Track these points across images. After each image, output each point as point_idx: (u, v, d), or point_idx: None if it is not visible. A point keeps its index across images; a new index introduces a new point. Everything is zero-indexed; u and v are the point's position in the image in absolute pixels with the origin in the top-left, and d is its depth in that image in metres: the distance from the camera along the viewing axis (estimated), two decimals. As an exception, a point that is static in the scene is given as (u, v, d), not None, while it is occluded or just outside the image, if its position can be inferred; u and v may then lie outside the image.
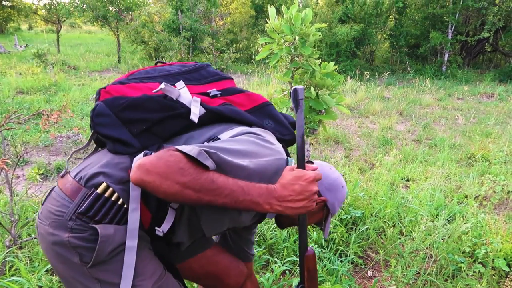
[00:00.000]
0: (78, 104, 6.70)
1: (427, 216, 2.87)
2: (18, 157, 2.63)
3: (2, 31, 22.81)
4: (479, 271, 2.35)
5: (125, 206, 1.02)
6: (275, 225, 2.65)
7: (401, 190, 3.45)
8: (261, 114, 1.24)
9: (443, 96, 8.57)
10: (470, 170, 4.18)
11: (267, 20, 3.00)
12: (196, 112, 1.09)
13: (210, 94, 1.20)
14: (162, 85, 1.09)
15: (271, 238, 2.55)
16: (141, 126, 1.05)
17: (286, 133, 1.23)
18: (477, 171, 4.08)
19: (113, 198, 1.00)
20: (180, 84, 1.14)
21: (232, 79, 1.34)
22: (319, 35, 3.04)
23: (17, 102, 6.49)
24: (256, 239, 2.53)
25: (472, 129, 5.87)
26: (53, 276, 2.05)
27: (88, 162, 1.09)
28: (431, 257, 2.48)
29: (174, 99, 1.10)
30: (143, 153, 1.01)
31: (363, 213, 2.84)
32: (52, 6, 15.63)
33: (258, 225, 2.22)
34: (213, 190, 0.88)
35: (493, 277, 2.33)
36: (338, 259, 2.42)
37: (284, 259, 2.38)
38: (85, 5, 13.46)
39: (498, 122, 6.42)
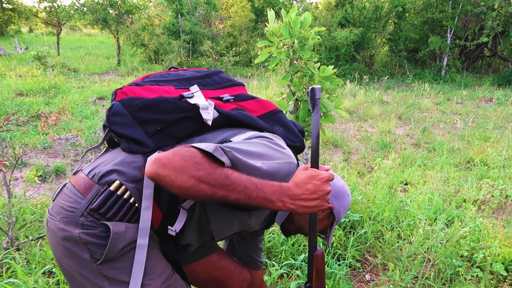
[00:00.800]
0: (78, 107, 6.70)
1: (426, 220, 2.88)
2: (17, 159, 2.63)
3: (3, 33, 22.84)
4: (477, 275, 2.34)
5: (137, 205, 1.03)
6: (273, 228, 2.65)
7: (399, 194, 3.45)
8: (271, 120, 1.26)
9: (442, 100, 8.59)
10: (469, 174, 4.18)
11: (267, 24, 3.01)
12: (210, 115, 1.12)
13: (223, 99, 1.23)
14: (195, 87, 1.16)
15: (269, 242, 2.55)
16: (155, 127, 1.08)
17: (296, 140, 1.25)
18: (476, 175, 4.09)
19: (125, 196, 1.01)
20: (195, 88, 1.18)
21: (244, 85, 1.37)
22: (318, 39, 3.04)
23: (16, 104, 6.49)
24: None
25: (471, 133, 5.88)
26: (49, 278, 2.05)
27: (101, 160, 1.11)
28: (429, 261, 2.47)
29: (190, 102, 1.13)
30: (157, 152, 1.02)
31: (361, 216, 2.84)
32: (53, 9, 15.66)
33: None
34: (227, 185, 0.89)
35: (491, 281, 2.33)
36: (336, 263, 2.42)
37: (282, 262, 2.37)
38: (85, 8, 13.49)
39: (496, 126, 6.43)
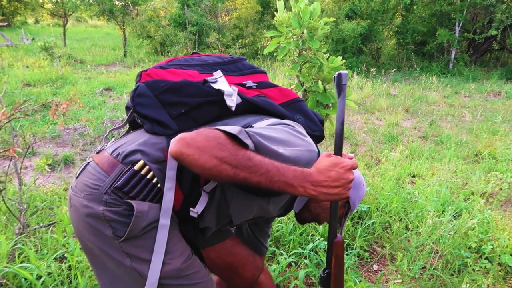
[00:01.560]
0: (85, 97, 6.72)
1: (433, 211, 2.87)
2: (27, 147, 2.66)
3: (9, 24, 22.89)
4: (485, 267, 2.35)
5: (159, 185, 1.04)
6: (281, 218, 2.66)
7: (407, 186, 3.45)
8: (292, 109, 1.27)
9: (450, 94, 8.52)
10: (477, 167, 4.16)
11: (276, 13, 3.00)
12: (233, 101, 1.13)
13: (246, 85, 1.24)
14: (219, 72, 1.17)
15: (277, 231, 2.56)
16: (179, 109, 1.09)
17: (316, 129, 1.26)
18: (484, 168, 4.07)
19: (148, 176, 1.03)
20: (218, 73, 1.19)
21: (266, 73, 1.38)
22: (327, 29, 3.03)
23: (24, 94, 6.53)
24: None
25: (479, 126, 5.84)
26: (62, 263, 2.08)
27: (124, 140, 1.12)
28: (437, 252, 2.48)
29: (213, 87, 1.14)
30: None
31: (369, 207, 2.84)
32: (59, 0, 15.65)
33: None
34: (249, 167, 0.89)
35: (499, 273, 2.33)
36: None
37: (290, 251, 2.39)
38: (91, -1, 13.49)
39: (505, 120, 6.38)
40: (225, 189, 1.13)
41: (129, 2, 13.36)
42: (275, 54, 3.16)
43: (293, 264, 2.35)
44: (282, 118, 1.19)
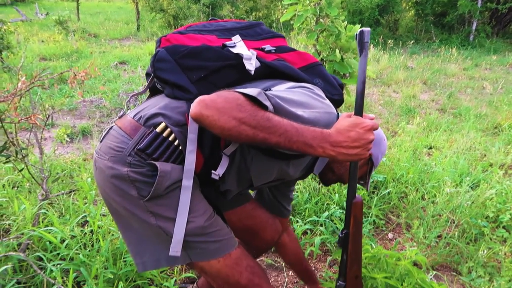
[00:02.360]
0: (100, 70, 6.75)
1: (450, 182, 2.85)
2: (47, 116, 2.71)
3: (23, -1, 22.87)
4: (502, 236, 2.34)
5: (180, 148, 1.07)
6: (297, 186, 2.67)
7: (424, 157, 3.41)
8: (311, 73, 1.26)
9: (470, 66, 8.27)
10: (496, 139, 4.08)
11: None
12: (252, 65, 1.13)
13: (265, 50, 1.23)
14: (237, 37, 1.18)
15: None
16: (199, 74, 1.10)
17: (335, 93, 1.25)
18: (503, 141, 3.98)
19: (170, 139, 1.05)
20: (237, 38, 1.20)
21: (284, 37, 1.37)
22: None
23: (41, 67, 6.59)
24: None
25: (500, 99, 5.68)
26: (84, 227, 2.14)
27: (146, 104, 1.15)
28: (453, 222, 2.47)
29: (232, 51, 1.14)
30: None
31: (385, 177, 2.83)
32: (71, -27, 15.51)
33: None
34: (268, 128, 0.90)
35: (517, 242, 2.32)
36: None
37: (306, 219, 2.41)
38: (104, -28, 13.31)
39: (527, 92, 6.19)
40: (245, 153, 1.14)
41: (142, -25, 13.17)
42: (291, 22, 3.10)
43: (308, 231, 2.37)
44: (301, 82, 1.18)
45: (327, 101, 1.13)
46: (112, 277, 1.82)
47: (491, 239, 2.30)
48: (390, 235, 2.48)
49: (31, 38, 9.54)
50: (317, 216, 2.44)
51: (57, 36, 9.72)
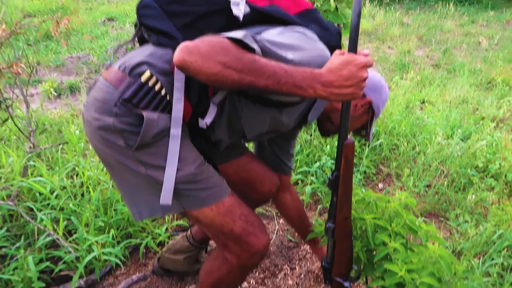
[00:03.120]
0: (88, 27, 6.54)
1: (442, 134, 2.85)
2: (32, 68, 2.61)
3: (3, -47, 21.74)
4: (490, 184, 2.37)
5: (168, 98, 1.04)
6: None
7: (416, 111, 3.40)
8: (306, 19, 1.18)
9: (466, 22, 8.12)
10: (489, 94, 4.07)
11: None
12: (241, 10, 1.08)
13: None
14: None
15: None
16: (185, 19, 1.07)
17: (331, 39, 1.17)
18: (496, 95, 3.97)
19: (156, 88, 1.02)
20: None
21: None
22: None
23: (25, 24, 6.34)
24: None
25: (495, 54, 5.62)
26: (74, 179, 2.13)
27: (132, 54, 1.11)
28: (443, 172, 2.49)
29: None
30: None
31: (377, 130, 2.83)
32: None
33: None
34: (255, 70, 0.86)
35: (504, 190, 2.35)
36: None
37: (297, 170, 2.41)
38: None
39: (523, 48, 6.12)
40: (235, 101, 1.11)
41: None
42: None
43: (299, 181, 2.39)
44: None
45: (321, 44, 1.07)
46: (103, 225, 1.83)
47: (479, 187, 2.33)
48: (380, 185, 2.51)
49: (13, -6, 9.13)
50: (308, 167, 2.44)
51: (41, -9, 9.31)
